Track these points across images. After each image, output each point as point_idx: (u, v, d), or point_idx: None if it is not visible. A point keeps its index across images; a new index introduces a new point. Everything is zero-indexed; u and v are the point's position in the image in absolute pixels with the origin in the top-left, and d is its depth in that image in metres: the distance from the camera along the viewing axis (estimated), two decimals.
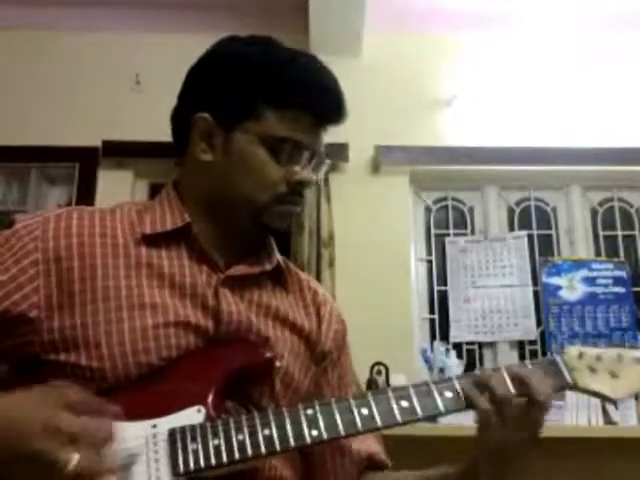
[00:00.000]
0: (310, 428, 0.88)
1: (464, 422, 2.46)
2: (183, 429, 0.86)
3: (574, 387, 0.98)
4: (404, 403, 0.91)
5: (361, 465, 1.08)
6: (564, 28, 3.41)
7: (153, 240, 1.01)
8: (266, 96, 1.00)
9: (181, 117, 1.07)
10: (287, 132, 1.00)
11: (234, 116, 1.01)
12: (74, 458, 0.72)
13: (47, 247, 0.95)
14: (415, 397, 0.92)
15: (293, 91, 1.00)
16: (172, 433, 0.85)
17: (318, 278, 2.93)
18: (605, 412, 2.63)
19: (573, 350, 1.00)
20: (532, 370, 0.95)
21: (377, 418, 0.90)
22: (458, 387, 0.94)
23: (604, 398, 0.99)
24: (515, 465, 0.95)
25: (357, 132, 3.11)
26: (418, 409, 0.91)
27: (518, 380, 0.93)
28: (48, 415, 0.74)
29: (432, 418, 0.94)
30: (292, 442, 0.87)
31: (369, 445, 1.09)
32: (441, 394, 0.93)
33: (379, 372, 2.75)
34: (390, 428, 0.91)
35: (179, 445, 0.84)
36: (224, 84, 1.02)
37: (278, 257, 1.10)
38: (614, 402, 1.01)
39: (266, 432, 0.86)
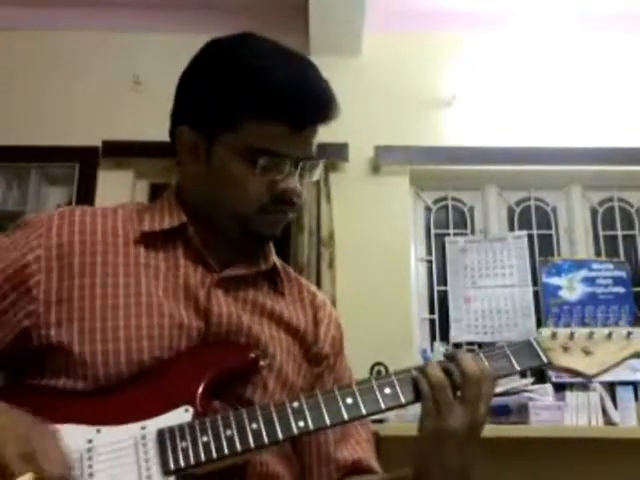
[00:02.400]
0: (297, 420, 0.89)
1: None
2: (172, 429, 0.87)
3: (549, 365, 1.01)
4: (387, 390, 0.93)
5: (344, 471, 1.08)
6: (564, 28, 3.41)
7: (151, 239, 1.02)
8: (242, 108, 0.97)
9: (172, 123, 1.07)
10: (264, 143, 0.97)
11: (213, 128, 1.00)
12: (24, 475, 0.75)
13: (50, 244, 0.97)
14: (397, 383, 0.94)
15: (268, 102, 0.96)
16: (161, 433, 0.86)
17: (318, 278, 2.93)
18: (605, 413, 2.63)
19: (546, 331, 1.03)
20: (472, 357, 0.97)
21: (362, 406, 0.92)
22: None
23: (579, 374, 1.01)
24: (456, 456, 0.93)
25: (357, 132, 3.12)
26: (400, 395, 0.93)
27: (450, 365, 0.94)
28: (25, 430, 0.80)
29: (415, 403, 0.95)
30: (280, 434, 0.88)
31: (357, 451, 1.10)
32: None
33: (379, 372, 2.75)
34: (375, 415, 0.93)
35: (168, 444, 0.85)
36: (202, 96, 1.01)
37: (275, 259, 1.10)
38: (589, 378, 1.03)
39: (254, 426, 0.87)
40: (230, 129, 0.99)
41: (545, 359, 1.00)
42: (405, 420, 2.30)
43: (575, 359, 1.01)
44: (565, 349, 1.01)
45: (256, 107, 0.97)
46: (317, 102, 1.00)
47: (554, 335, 1.02)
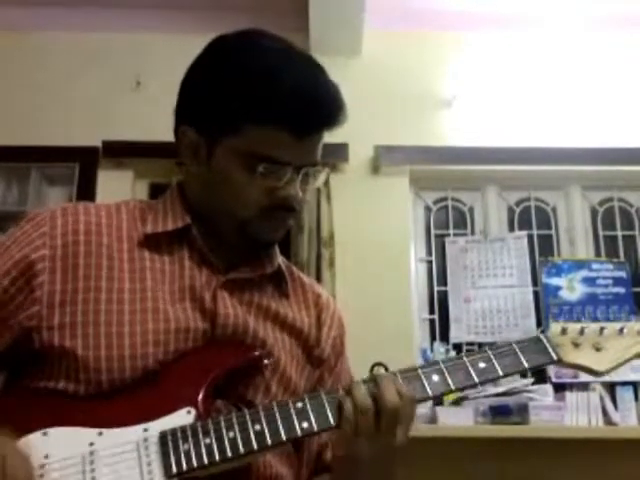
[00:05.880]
0: (300, 421, 0.88)
1: (465, 422, 2.46)
2: (174, 431, 0.86)
3: (559, 362, 0.98)
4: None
5: (323, 468, 1.07)
6: (564, 28, 3.41)
7: (155, 240, 1.01)
8: (244, 112, 0.96)
9: (175, 122, 1.06)
10: (265, 150, 0.95)
11: (214, 131, 0.98)
12: None
13: (55, 244, 0.96)
14: (402, 383, 0.92)
15: (270, 108, 0.94)
16: (163, 435, 0.86)
17: (318, 278, 2.93)
18: (605, 413, 2.63)
19: (556, 326, 1.00)
20: (393, 379, 0.92)
21: None
22: (445, 370, 0.95)
23: (589, 371, 0.99)
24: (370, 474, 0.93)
25: (357, 132, 3.11)
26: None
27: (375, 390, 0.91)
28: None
29: (420, 402, 0.94)
30: (283, 436, 0.87)
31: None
32: (428, 378, 0.94)
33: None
34: None
35: (170, 446, 0.85)
36: (205, 98, 1.00)
37: (280, 260, 1.09)
38: (600, 374, 0.99)
39: (257, 427, 0.87)
40: (232, 132, 0.97)
41: (555, 356, 0.97)
42: None
43: (585, 355, 0.98)
44: (575, 345, 0.98)
45: (258, 113, 0.95)
46: (322, 109, 0.98)
47: (564, 331, 0.99)
